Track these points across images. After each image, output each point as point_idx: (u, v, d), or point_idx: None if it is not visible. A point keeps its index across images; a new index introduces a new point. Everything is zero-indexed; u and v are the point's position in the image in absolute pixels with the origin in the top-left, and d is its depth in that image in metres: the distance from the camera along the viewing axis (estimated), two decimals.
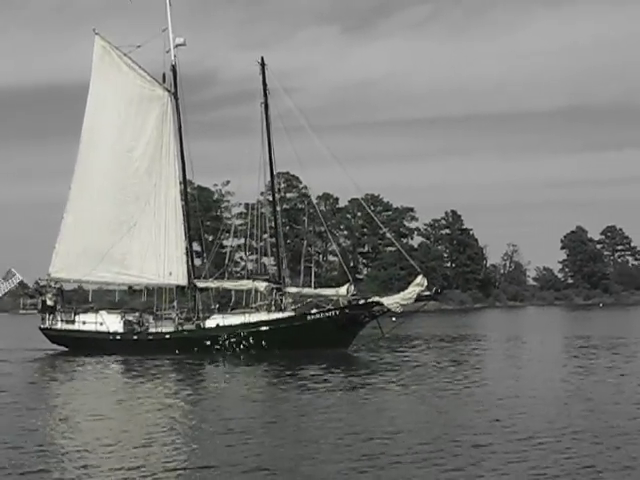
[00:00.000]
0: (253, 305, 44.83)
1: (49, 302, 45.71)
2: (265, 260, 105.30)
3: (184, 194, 46.65)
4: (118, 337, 44.33)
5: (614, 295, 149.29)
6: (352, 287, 45.01)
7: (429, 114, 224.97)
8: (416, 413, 23.32)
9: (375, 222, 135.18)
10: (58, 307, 46.19)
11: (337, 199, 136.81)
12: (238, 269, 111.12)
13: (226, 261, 52.18)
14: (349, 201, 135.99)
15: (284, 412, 23.53)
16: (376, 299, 43.15)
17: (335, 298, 44.64)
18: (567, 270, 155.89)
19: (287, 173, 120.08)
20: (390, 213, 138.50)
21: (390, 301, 42.17)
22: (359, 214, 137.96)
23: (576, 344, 47.82)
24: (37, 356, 43.56)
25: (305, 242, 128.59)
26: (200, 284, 46.03)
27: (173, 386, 30.90)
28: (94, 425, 21.88)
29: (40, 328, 46.55)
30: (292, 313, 44.06)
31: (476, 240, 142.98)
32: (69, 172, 46.66)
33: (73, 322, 45.50)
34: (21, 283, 46.77)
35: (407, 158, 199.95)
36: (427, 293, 42.79)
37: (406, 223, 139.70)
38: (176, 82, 46.13)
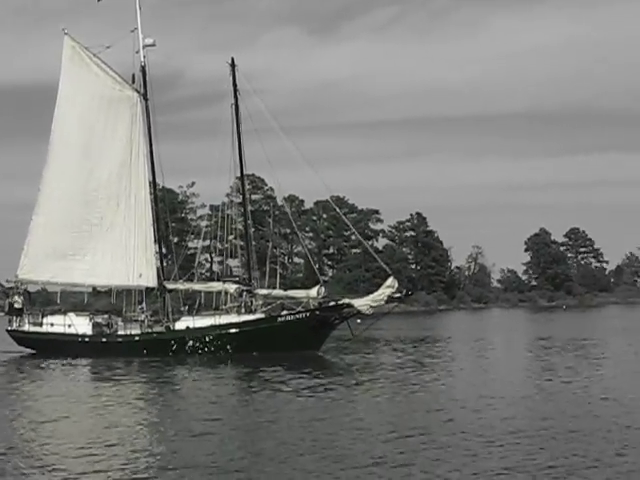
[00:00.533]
0: (223, 307, 44.73)
1: (16, 304, 45.30)
2: (230, 262, 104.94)
3: (153, 196, 46.41)
4: (87, 339, 44.00)
5: (577, 297, 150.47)
6: (322, 289, 44.93)
7: (393, 116, 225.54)
8: (378, 415, 23.41)
9: (340, 224, 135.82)
10: (25, 309, 45.76)
11: (302, 201, 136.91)
12: (203, 271, 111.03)
13: (195, 263, 51.95)
14: (314, 203, 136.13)
15: (248, 414, 23.64)
16: (347, 301, 43.25)
17: (305, 300, 44.52)
18: (531, 272, 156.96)
19: (252, 175, 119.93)
20: (355, 215, 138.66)
21: (361, 303, 42.29)
22: (324, 216, 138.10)
23: (537, 345, 48.45)
24: (3, 358, 43.17)
25: (270, 244, 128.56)
26: (170, 286, 45.84)
27: (140, 389, 30.69)
28: (57, 428, 21.86)
29: (7, 330, 46.14)
30: (262, 315, 44.02)
31: (441, 242, 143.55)
32: (38, 174, 46.37)
33: (41, 324, 45.09)
34: None
35: (371, 160, 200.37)
36: (397, 295, 42.96)
37: (371, 225, 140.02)
38: (145, 83, 45.94)
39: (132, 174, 45.26)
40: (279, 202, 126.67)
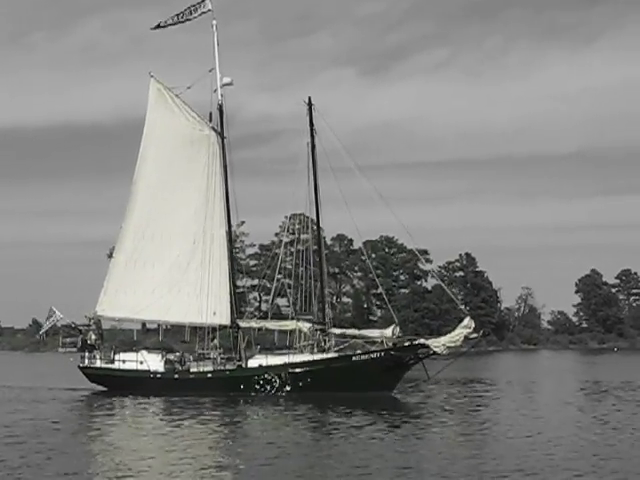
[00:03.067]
0: (296, 345, 44.50)
1: (90, 341, 45.50)
2: (279, 301, 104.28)
3: (228, 234, 46.54)
4: (159, 376, 43.97)
5: (629, 339, 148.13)
6: (397, 329, 44.65)
7: (445, 157, 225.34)
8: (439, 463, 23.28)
9: (389, 264, 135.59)
10: (97, 345, 45.93)
11: (351, 240, 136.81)
12: (252, 309, 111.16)
13: (270, 300, 51.88)
14: (363, 243, 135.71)
15: (317, 457, 23.66)
16: (422, 341, 42.88)
17: (379, 340, 44.20)
18: (581, 314, 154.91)
19: (302, 214, 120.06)
20: (404, 255, 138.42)
21: (436, 343, 41.86)
22: (373, 256, 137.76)
23: (590, 389, 47.88)
24: (74, 396, 43.12)
25: (319, 283, 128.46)
26: (243, 324, 45.78)
27: (207, 427, 30.44)
28: (123, 463, 22.29)
29: (79, 367, 46.24)
30: (335, 354, 43.75)
31: (490, 283, 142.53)
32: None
33: (113, 361, 45.19)
34: (63, 322, 46.44)
35: (422, 200, 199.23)
36: (474, 336, 42.39)
37: (420, 265, 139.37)
38: (223, 122, 46.45)
39: (209, 212, 45.57)
40: (328, 241, 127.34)
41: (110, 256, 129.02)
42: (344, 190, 45.62)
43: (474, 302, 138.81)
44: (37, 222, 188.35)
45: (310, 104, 45.99)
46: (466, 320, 41.95)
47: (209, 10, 45.32)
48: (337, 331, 46.15)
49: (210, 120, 46.27)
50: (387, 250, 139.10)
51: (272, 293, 52.51)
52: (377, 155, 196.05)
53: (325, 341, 44.65)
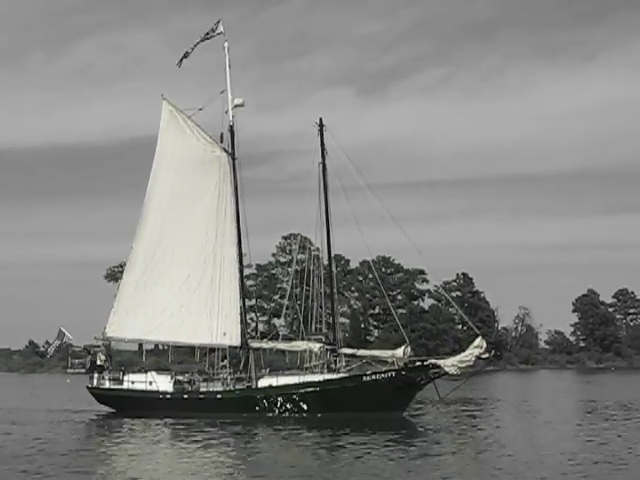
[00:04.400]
0: (306, 365, 44.41)
1: (99, 361, 45.36)
2: (276, 321, 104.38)
3: (239, 254, 46.53)
4: (168, 396, 43.80)
5: (626, 359, 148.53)
6: (409, 349, 44.61)
7: (441, 176, 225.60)
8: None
9: (385, 284, 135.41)
10: (106, 366, 45.80)
11: (348, 261, 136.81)
12: (249, 330, 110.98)
13: (282, 320, 51.76)
14: (360, 263, 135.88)
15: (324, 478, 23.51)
16: (433, 361, 42.77)
17: (391, 360, 44.12)
18: (579, 333, 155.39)
19: (299, 234, 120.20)
20: (401, 275, 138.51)
21: (447, 363, 41.74)
22: (370, 276, 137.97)
23: (589, 409, 47.97)
24: (81, 418, 42.78)
25: (316, 303, 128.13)
26: (254, 344, 45.71)
27: (216, 449, 30.11)
28: None
29: (87, 387, 46.07)
30: (346, 374, 43.65)
31: (487, 302, 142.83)
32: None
33: (121, 382, 45.05)
34: (70, 344, 46.40)
35: (418, 219, 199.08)
36: (485, 355, 42.29)
37: (417, 285, 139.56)
38: (234, 142, 46.49)
39: (219, 232, 45.59)
40: (325, 262, 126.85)
41: (107, 277, 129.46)
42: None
43: (471, 322, 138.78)
44: (27, 243, 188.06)
45: (321, 125, 46.11)
46: (478, 340, 41.82)
47: (221, 32, 45.65)
48: (348, 351, 46.11)
49: (221, 141, 46.44)
50: (384, 270, 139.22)
51: (283, 314, 52.56)
52: (375, 175, 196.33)
53: (335, 361, 44.57)
